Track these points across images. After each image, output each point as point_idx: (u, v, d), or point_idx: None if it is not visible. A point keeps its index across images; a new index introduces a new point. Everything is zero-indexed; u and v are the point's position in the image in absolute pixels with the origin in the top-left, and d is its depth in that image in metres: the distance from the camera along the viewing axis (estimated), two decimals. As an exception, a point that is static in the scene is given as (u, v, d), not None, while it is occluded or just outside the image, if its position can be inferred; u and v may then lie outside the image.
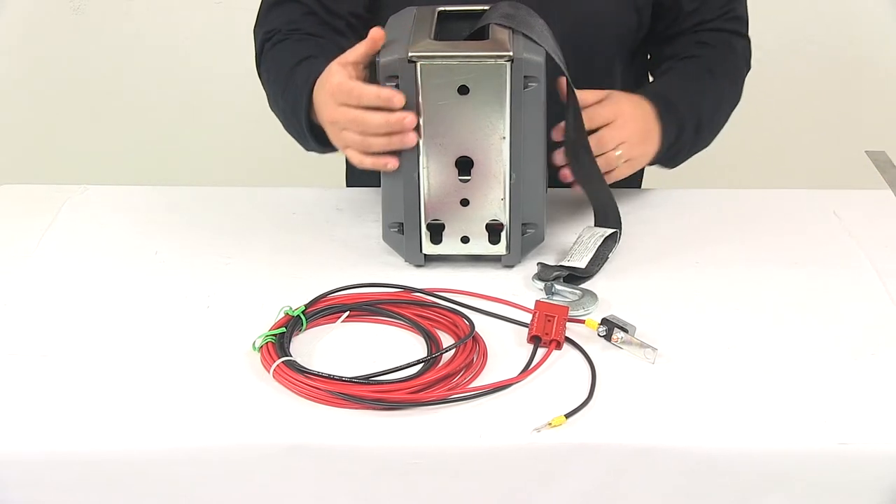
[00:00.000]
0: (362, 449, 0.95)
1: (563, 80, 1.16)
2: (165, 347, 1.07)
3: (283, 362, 1.01)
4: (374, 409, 0.97)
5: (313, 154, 1.29)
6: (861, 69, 2.51)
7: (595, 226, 1.25)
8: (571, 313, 1.09)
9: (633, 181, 1.44)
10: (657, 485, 0.96)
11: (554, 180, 1.22)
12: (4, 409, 0.98)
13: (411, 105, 1.11)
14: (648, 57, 1.46)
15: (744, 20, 1.42)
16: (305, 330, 1.09)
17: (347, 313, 1.12)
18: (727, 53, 1.39)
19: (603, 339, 1.07)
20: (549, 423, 0.95)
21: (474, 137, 1.13)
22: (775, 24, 2.40)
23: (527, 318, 1.09)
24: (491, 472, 0.96)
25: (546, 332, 1.06)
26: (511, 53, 1.09)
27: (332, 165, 1.49)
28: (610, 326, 1.06)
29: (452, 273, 1.20)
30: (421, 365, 1.02)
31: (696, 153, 1.36)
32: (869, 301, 1.15)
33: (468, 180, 1.15)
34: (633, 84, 1.42)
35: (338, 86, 1.12)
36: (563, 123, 1.18)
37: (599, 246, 1.20)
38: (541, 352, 1.05)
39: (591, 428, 0.96)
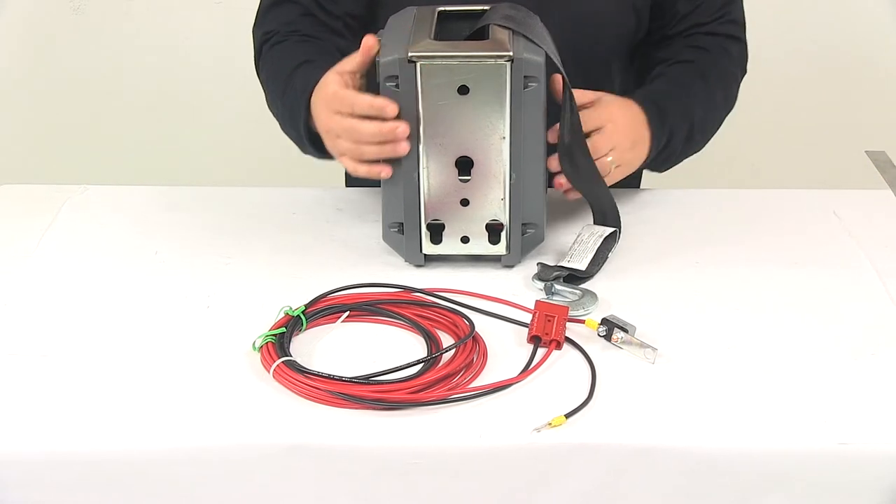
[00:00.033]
0: (362, 449, 0.95)
1: (558, 78, 1.15)
2: (165, 347, 1.07)
3: (283, 362, 1.01)
4: (374, 409, 0.97)
5: (313, 155, 1.29)
6: (861, 69, 2.51)
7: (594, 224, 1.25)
8: (571, 313, 1.09)
9: (632, 181, 1.43)
10: (657, 485, 0.96)
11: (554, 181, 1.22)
12: (4, 409, 0.98)
13: (410, 109, 1.11)
14: (642, 59, 1.45)
15: (740, 24, 1.40)
16: (305, 330, 1.09)
17: (347, 313, 1.12)
18: (722, 58, 1.38)
19: (603, 339, 1.07)
20: (549, 423, 0.95)
21: (474, 137, 1.13)
22: (775, 25, 2.40)
23: (527, 318, 1.09)
24: (491, 472, 0.96)
25: (546, 332, 1.06)
26: (511, 53, 1.09)
27: (332, 165, 1.48)
28: (610, 326, 1.06)
29: (452, 273, 1.20)
30: (421, 365, 1.02)
31: (686, 158, 1.35)
32: (869, 301, 1.15)
33: (468, 180, 1.15)
34: (632, 85, 1.41)
35: (332, 94, 1.14)
36: (557, 125, 1.17)
37: (599, 246, 1.20)
38: (541, 352, 1.05)
39: (591, 428, 0.96)
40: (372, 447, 0.95)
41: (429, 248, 1.19)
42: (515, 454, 0.95)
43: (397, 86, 1.10)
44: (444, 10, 1.20)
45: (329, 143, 1.18)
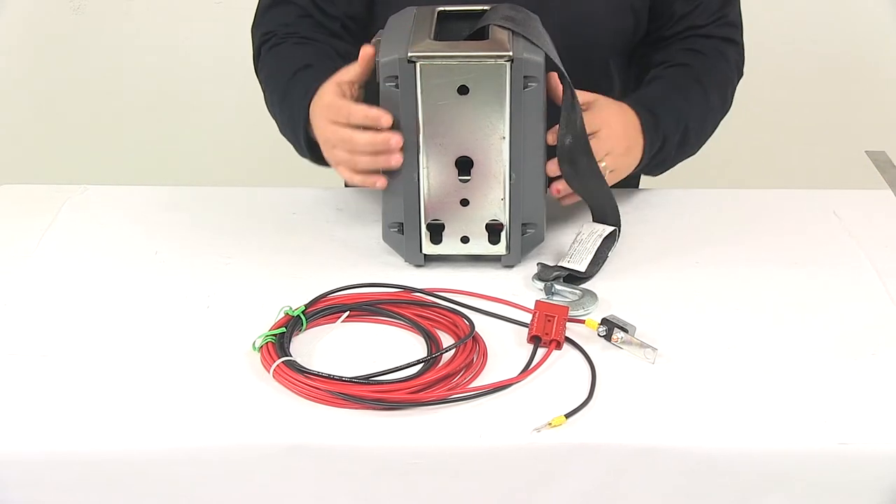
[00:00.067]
0: (362, 449, 0.95)
1: (554, 79, 1.15)
2: (165, 347, 1.07)
3: (283, 362, 1.01)
4: (374, 409, 0.97)
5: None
6: (861, 69, 2.51)
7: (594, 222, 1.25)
8: (571, 313, 1.09)
9: (631, 181, 1.43)
10: (657, 485, 0.96)
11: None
12: (4, 409, 0.98)
13: (410, 109, 1.11)
14: (638, 61, 1.45)
15: (737, 26, 1.40)
16: (305, 330, 1.09)
17: (347, 313, 1.12)
18: (718, 62, 1.37)
19: (603, 339, 1.07)
20: (549, 423, 0.95)
21: (474, 137, 1.13)
22: (775, 24, 2.40)
23: (527, 318, 1.09)
24: (491, 472, 0.96)
25: (546, 332, 1.06)
26: (511, 53, 1.09)
27: (332, 165, 1.50)
28: (610, 326, 1.06)
29: (452, 273, 1.20)
30: (421, 365, 1.02)
31: (680, 161, 1.35)
32: (869, 301, 1.15)
33: (468, 180, 1.15)
34: (631, 85, 1.41)
35: (329, 104, 1.15)
36: (557, 127, 1.17)
37: (599, 246, 1.20)
38: (541, 352, 1.05)
39: (591, 428, 0.96)
40: (372, 447, 0.95)
41: (429, 248, 1.19)
42: (515, 454, 0.95)
43: (397, 86, 1.10)
44: (444, 11, 1.20)
45: (326, 152, 1.19)
